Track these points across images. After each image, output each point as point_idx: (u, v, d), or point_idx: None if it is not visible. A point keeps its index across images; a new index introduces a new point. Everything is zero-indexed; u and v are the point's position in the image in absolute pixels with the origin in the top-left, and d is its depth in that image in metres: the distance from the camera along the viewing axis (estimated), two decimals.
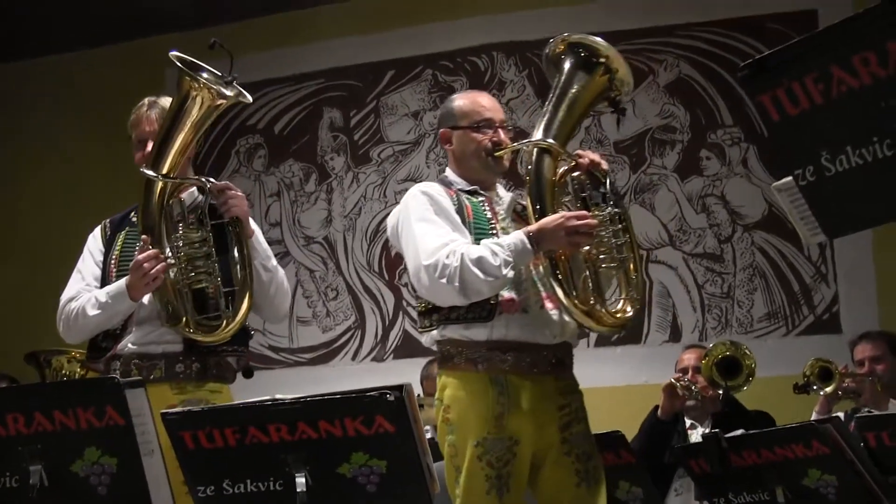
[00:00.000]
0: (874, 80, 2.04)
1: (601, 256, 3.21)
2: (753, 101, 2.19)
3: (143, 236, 3.30)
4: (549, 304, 3.23)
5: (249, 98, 3.43)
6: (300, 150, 6.76)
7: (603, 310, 3.19)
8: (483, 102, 3.44)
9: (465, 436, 3.14)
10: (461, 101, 3.46)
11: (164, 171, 3.34)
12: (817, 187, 2.18)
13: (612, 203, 3.25)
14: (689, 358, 4.91)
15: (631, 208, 6.20)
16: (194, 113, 3.37)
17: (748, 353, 4.59)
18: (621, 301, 3.26)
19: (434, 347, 3.31)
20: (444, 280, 3.07)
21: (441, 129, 3.47)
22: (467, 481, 3.13)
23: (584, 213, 3.17)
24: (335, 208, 6.69)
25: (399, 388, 2.33)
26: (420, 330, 3.36)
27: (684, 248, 6.13)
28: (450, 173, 3.43)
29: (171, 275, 3.30)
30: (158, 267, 3.25)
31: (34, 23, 6.78)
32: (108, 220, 3.55)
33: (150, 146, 3.41)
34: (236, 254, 3.33)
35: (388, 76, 6.69)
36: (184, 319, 3.30)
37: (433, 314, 3.24)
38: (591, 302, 3.17)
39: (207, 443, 2.36)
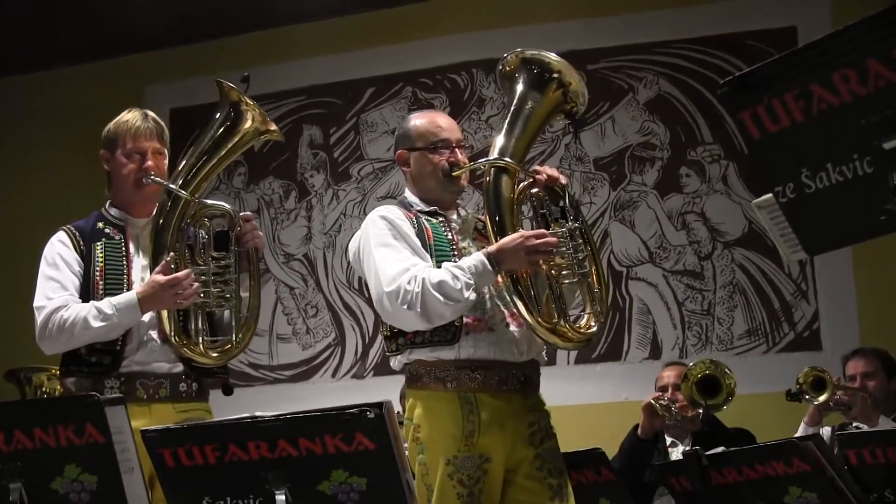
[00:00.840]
0: (854, 98, 2.05)
1: (563, 272, 3.20)
2: (734, 118, 2.20)
3: (171, 254, 3.33)
4: (514, 323, 3.23)
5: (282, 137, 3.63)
6: (280, 168, 6.75)
7: (567, 325, 3.19)
8: (439, 123, 3.43)
9: (436, 454, 3.14)
10: (417, 122, 3.45)
11: (191, 192, 3.41)
12: (797, 204, 2.18)
13: (571, 217, 3.24)
14: (669, 375, 4.92)
15: (611, 225, 6.23)
16: (237, 138, 3.48)
17: (728, 371, 4.59)
18: (585, 316, 3.24)
19: (403, 370, 3.29)
20: (405, 306, 3.08)
21: (398, 151, 3.46)
22: (439, 500, 3.12)
23: (543, 231, 3.17)
24: (315, 225, 6.69)
25: (379, 406, 2.32)
26: (387, 354, 3.34)
27: (664, 265, 6.14)
28: (408, 195, 3.43)
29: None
30: (196, 286, 3.30)
31: (13, 41, 6.75)
32: (72, 228, 3.49)
33: (150, 160, 3.44)
34: (250, 282, 3.43)
35: (367, 93, 6.70)
36: (198, 339, 3.34)
37: (398, 338, 3.24)
38: (555, 319, 3.17)
39: (187, 460, 2.35)
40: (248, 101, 3.49)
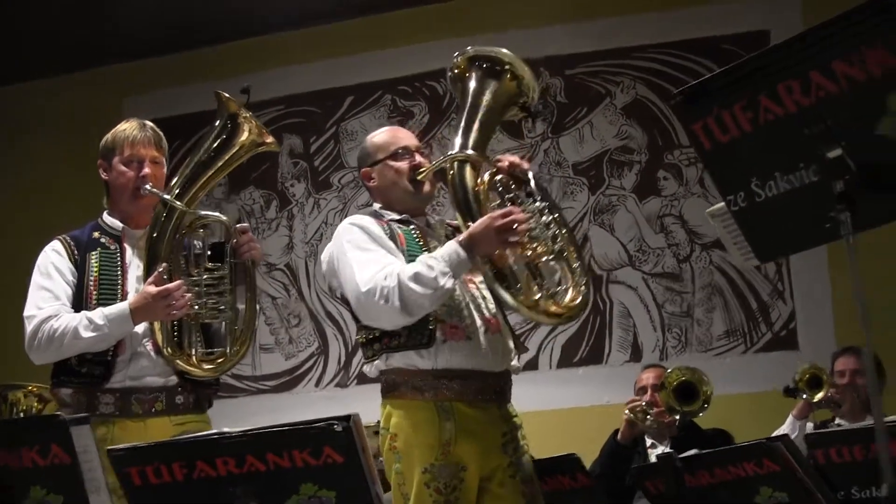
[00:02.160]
0: (798, 108, 2.10)
1: (538, 250, 3.20)
2: (686, 129, 2.24)
3: (164, 264, 3.33)
4: (491, 330, 3.26)
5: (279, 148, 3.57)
6: (260, 177, 6.76)
7: (551, 302, 3.18)
8: (396, 133, 3.48)
9: (413, 463, 3.15)
10: (374, 138, 3.48)
11: (186, 202, 3.40)
12: (748, 213, 2.23)
13: (539, 198, 3.27)
14: (648, 377, 4.97)
15: (590, 230, 6.27)
16: (234, 149, 3.49)
17: (705, 378, 4.65)
18: (569, 291, 3.22)
19: (379, 377, 3.31)
20: (383, 301, 3.08)
21: (361, 170, 3.49)
22: None
23: (510, 209, 3.16)
24: (297, 234, 6.70)
25: (346, 419, 2.34)
26: (364, 361, 3.35)
27: (644, 268, 6.18)
28: (377, 207, 3.44)
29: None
30: (188, 297, 3.30)
31: None
32: (68, 238, 3.49)
33: (147, 168, 3.45)
34: (246, 294, 3.42)
35: (347, 102, 6.72)
36: (191, 351, 3.35)
37: (374, 344, 3.24)
38: (538, 297, 3.17)
39: (155, 478, 2.36)
40: (246, 112, 3.50)
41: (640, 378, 5.04)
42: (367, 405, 3.13)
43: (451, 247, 3.14)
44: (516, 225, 3.10)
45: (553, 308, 3.18)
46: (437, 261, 3.11)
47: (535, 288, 3.18)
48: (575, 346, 6.13)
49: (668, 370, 4.78)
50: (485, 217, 3.14)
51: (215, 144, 3.49)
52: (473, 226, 3.14)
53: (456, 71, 3.39)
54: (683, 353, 6.00)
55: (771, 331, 5.96)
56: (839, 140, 2.04)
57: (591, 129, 6.40)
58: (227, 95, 3.52)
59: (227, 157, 3.49)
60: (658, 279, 6.15)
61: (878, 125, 2.00)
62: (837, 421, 4.81)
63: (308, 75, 6.74)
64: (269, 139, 3.56)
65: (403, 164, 3.38)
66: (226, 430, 2.39)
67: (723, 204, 2.28)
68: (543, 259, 3.20)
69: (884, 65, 1.96)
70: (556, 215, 3.27)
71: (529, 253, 3.19)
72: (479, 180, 3.26)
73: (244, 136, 3.50)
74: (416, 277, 3.08)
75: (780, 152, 2.14)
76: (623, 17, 6.42)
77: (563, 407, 6.02)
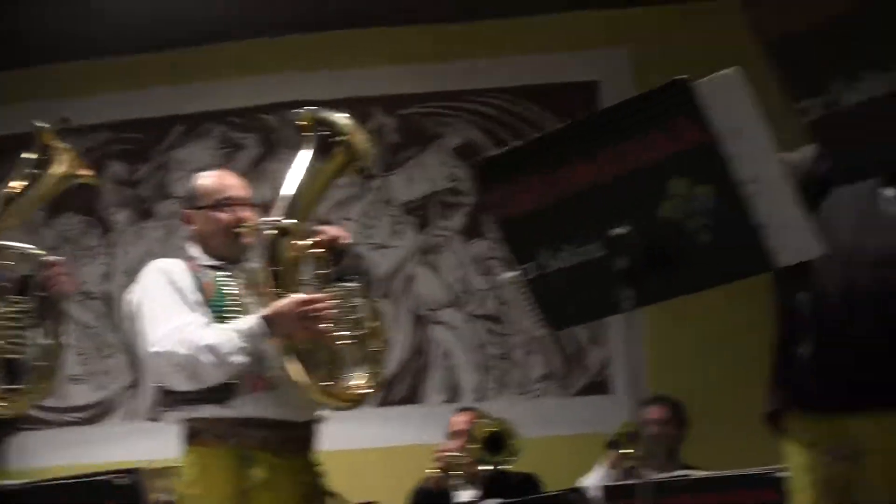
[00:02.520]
0: (589, 185, 2.17)
1: (339, 334, 3.20)
2: (481, 198, 2.29)
3: None
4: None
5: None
6: (81, 203, 6.55)
7: (341, 386, 3.17)
8: (225, 181, 3.42)
9: None
10: (203, 180, 3.43)
11: None
12: (539, 283, 2.29)
13: (353, 278, 3.28)
14: (461, 421, 5.04)
15: (416, 269, 6.32)
16: (49, 181, 3.35)
17: (513, 429, 4.76)
18: (360, 377, 3.23)
19: (179, 425, 3.25)
20: (171, 368, 3.05)
21: (183, 211, 3.45)
22: None
23: (318, 296, 3.14)
24: (117, 263, 6.54)
25: (131, 471, 2.31)
26: (163, 409, 3.27)
27: (467, 309, 6.26)
28: (192, 249, 3.39)
29: None
30: None
31: None
32: None
33: None
34: (50, 329, 3.28)
35: (176, 131, 6.62)
36: None
37: (172, 394, 3.19)
38: (330, 380, 3.17)
39: None
40: (61, 144, 3.40)
41: (452, 422, 5.10)
42: (176, 439, 3.13)
43: (253, 321, 3.09)
44: (320, 312, 3.09)
45: (342, 394, 3.17)
46: (236, 334, 3.07)
47: (328, 371, 3.17)
48: (395, 384, 6.16)
49: (479, 419, 4.87)
50: (291, 300, 3.09)
51: (29, 176, 3.39)
52: (279, 305, 3.09)
53: (300, 124, 3.36)
54: (502, 394, 6.10)
55: (588, 375, 6.11)
56: (624, 219, 2.11)
57: (422, 169, 6.47)
58: (41, 125, 3.42)
59: (41, 191, 3.39)
60: (480, 321, 6.24)
61: (660, 207, 2.08)
62: (643, 471, 4.97)
63: (137, 103, 6.60)
64: (87, 172, 3.47)
65: (224, 217, 3.33)
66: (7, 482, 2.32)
67: (517, 272, 2.33)
68: (342, 342, 3.20)
69: (667, 149, 2.04)
70: (367, 297, 3.27)
71: (330, 336, 3.17)
72: (296, 250, 3.22)
73: (59, 169, 3.40)
74: (211, 349, 3.04)
75: (569, 226, 2.21)
76: (459, 61, 6.51)
77: (382, 445, 6.04)
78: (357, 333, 3.22)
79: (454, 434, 5.01)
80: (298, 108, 6.43)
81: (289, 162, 3.31)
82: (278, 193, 3.25)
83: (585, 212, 2.18)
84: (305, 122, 3.36)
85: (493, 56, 6.49)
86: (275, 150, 6.44)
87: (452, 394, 6.14)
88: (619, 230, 2.11)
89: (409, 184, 6.46)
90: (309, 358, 3.15)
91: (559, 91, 6.41)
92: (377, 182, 6.42)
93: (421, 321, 6.22)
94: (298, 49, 6.53)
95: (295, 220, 3.23)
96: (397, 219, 6.42)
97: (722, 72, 1.97)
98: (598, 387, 6.09)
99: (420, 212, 6.42)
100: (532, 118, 6.41)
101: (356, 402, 3.23)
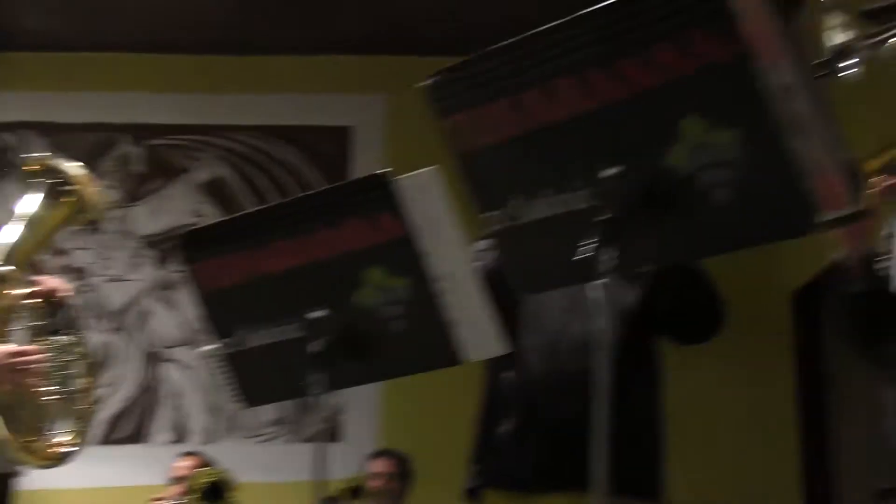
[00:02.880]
0: (290, 265, 2.19)
1: (46, 390, 3.11)
2: (184, 267, 2.27)
3: None
4: None
5: None
6: None
7: (41, 444, 3.09)
8: None
9: None
10: None
11: None
12: (236, 359, 2.30)
13: (68, 331, 3.19)
14: (182, 467, 4.96)
15: (152, 305, 6.17)
16: None
17: (230, 479, 4.74)
18: (65, 434, 3.16)
19: None
20: None
21: None
22: None
23: (28, 349, 3.04)
24: None
25: None
26: None
27: (201, 349, 6.16)
28: None
29: None
30: None
31: None
32: None
33: None
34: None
35: None
36: None
37: None
38: (32, 436, 3.07)
39: None
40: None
41: (174, 466, 5.01)
42: None
43: None
44: (29, 365, 2.99)
45: (42, 451, 3.08)
46: None
47: (30, 427, 3.08)
48: (121, 422, 5.99)
49: (199, 468, 4.81)
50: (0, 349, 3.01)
51: None
52: None
53: (30, 169, 3.23)
54: (231, 436, 6.02)
55: (319, 422, 6.09)
56: (322, 302, 2.14)
57: (167, 202, 6.35)
58: None
59: None
60: (216, 360, 6.14)
61: (357, 294, 2.12)
62: None
63: None
64: None
65: None
66: None
67: (215, 345, 2.33)
68: (49, 398, 3.11)
69: (366, 239, 2.08)
70: (80, 352, 3.19)
71: (38, 388, 3.08)
72: (9, 300, 3.10)
73: None
74: None
75: (269, 305, 2.22)
76: (213, 95, 6.45)
77: (104, 485, 5.85)
78: (66, 389, 3.13)
79: (175, 479, 4.92)
80: (41, 130, 6.22)
81: (12, 203, 3.20)
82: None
83: (285, 292, 2.19)
84: (34, 168, 3.25)
85: (248, 92, 6.45)
86: (11, 170, 6.17)
87: (180, 434, 6.02)
88: (315, 313, 2.13)
89: (152, 217, 6.33)
90: (10, 413, 3.03)
91: (312, 133, 6.44)
92: (119, 212, 6.25)
93: (153, 358, 6.08)
94: (42, 70, 6.31)
95: (13, 267, 3.13)
96: (137, 252, 6.27)
97: (422, 170, 2.03)
98: (327, 434, 6.05)
99: (161, 246, 6.28)
100: (283, 158, 6.42)
101: (58, 460, 3.13)
